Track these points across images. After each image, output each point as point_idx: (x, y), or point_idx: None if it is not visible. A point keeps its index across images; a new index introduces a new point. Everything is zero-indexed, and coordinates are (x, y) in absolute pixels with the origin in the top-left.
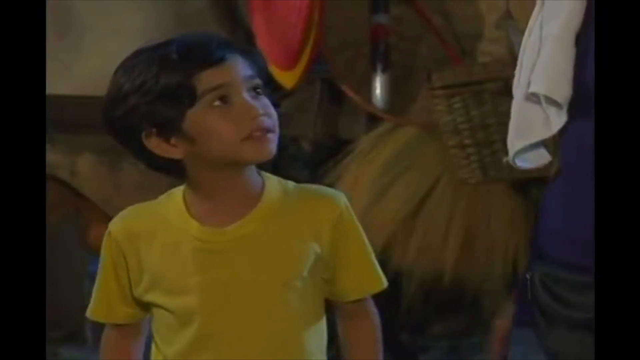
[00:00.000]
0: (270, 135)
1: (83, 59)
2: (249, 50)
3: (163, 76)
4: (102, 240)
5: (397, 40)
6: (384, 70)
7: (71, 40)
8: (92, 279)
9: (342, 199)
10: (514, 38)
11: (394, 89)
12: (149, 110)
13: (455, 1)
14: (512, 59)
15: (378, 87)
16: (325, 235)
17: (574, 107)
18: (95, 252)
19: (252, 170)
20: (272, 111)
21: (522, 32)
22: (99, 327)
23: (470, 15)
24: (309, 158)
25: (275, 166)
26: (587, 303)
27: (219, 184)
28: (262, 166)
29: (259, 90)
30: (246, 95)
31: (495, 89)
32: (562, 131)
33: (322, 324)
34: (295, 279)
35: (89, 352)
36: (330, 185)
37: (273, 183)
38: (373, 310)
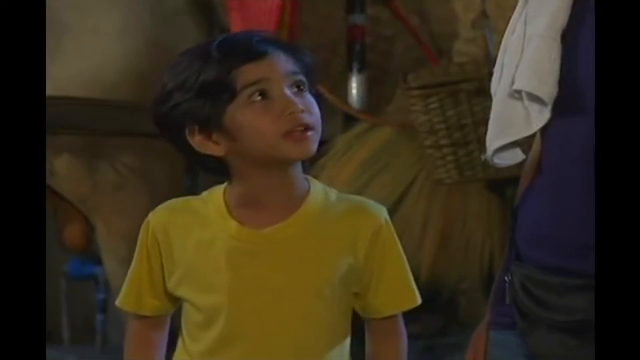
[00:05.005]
0: (310, 133)
1: (61, 59)
2: (293, 46)
3: (203, 72)
4: (78, 240)
5: (373, 40)
6: (360, 71)
7: (49, 40)
8: (68, 279)
9: (382, 212)
10: (489, 38)
11: (370, 89)
12: (191, 106)
13: (431, 1)
14: (488, 59)
15: (354, 87)
16: (361, 248)
17: (559, 106)
18: (70, 252)
19: (297, 174)
20: (314, 109)
21: (498, 32)
22: (75, 328)
23: (447, 15)
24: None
25: None
26: (568, 305)
27: (261, 184)
28: None
29: (302, 87)
30: (287, 91)
31: (471, 89)
32: (544, 130)
33: (347, 340)
34: (326, 288)
35: (65, 352)
36: None
37: (318, 190)
38: (402, 329)
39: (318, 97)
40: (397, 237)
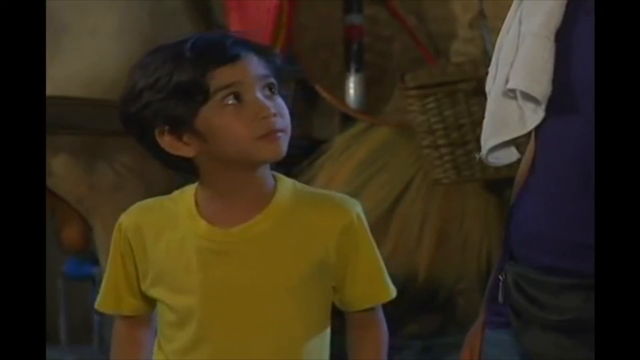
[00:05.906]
0: (281, 134)
1: (60, 59)
2: (265, 49)
3: (176, 73)
4: (76, 240)
5: (371, 41)
6: (357, 71)
7: (49, 40)
8: (66, 279)
9: (354, 206)
10: (487, 38)
11: (367, 89)
12: (162, 107)
13: (429, 1)
14: (485, 59)
15: (352, 87)
16: (332, 242)
17: (553, 105)
18: (68, 252)
19: (265, 172)
20: (285, 111)
21: (496, 32)
22: (73, 328)
23: (444, 15)
24: (283, 158)
25: None
26: (561, 305)
27: (231, 184)
28: None
29: (273, 89)
30: (259, 94)
31: (468, 89)
32: (539, 129)
33: (326, 334)
34: (298, 283)
35: (63, 353)
36: None
37: (285, 186)
38: (381, 320)
39: (286, 99)
40: (396, 236)
